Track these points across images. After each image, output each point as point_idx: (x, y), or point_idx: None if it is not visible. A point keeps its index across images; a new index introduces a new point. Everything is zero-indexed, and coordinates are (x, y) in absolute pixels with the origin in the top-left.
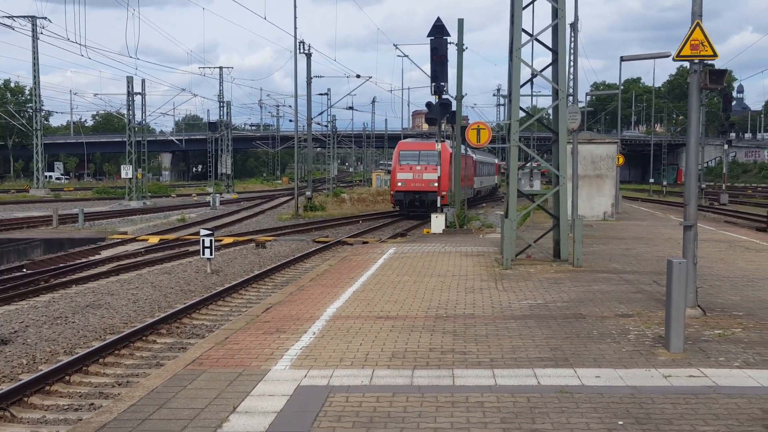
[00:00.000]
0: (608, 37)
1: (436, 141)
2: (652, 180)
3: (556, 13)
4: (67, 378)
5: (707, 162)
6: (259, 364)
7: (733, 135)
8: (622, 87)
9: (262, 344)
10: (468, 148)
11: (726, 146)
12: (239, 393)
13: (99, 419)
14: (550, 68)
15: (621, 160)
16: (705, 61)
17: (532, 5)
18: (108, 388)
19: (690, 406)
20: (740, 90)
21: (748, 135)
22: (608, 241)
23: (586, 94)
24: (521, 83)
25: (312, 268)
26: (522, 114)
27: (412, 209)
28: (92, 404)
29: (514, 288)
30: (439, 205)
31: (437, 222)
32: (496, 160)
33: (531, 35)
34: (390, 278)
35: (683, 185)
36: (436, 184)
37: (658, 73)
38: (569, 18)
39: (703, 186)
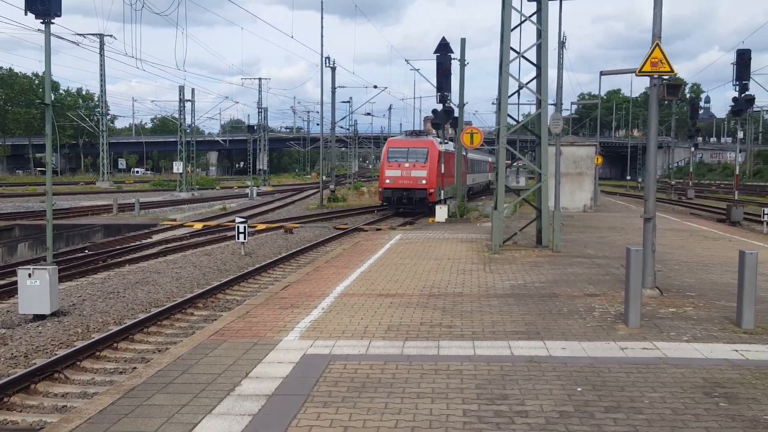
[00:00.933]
0: (596, 54)
1: (433, 138)
2: (629, 177)
3: (540, 33)
4: (114, 345)
5: (677, 162)
6: (272, 335)
7: (699, 139)
8: (604, 97)
9: (277, 318)
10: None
11: (693, 149)
12: (252, 360)
13: (130, 383)
14: (535, 81)
15: (599, 160)
16: (663, 76)
17: (519, 27)
18: (149, 354)
19: (641, 374)
20: (707, 100)
21: (713, 139)
22: (585, 230)
23: (572, 103)
24: (510, 94)
25: (330, 251)
26: (510, 121)
27: (400, 206)
28: (134, 368)
29: (500, 270)
30: (428, 202)
31: (441, 212)
32: (490, 159)
33: (518, 53)
34: (393, 261)
35: (657, 182)
36: (424, 182)
37: (635, 85)
38: (557, 38)
39: (673, 183)
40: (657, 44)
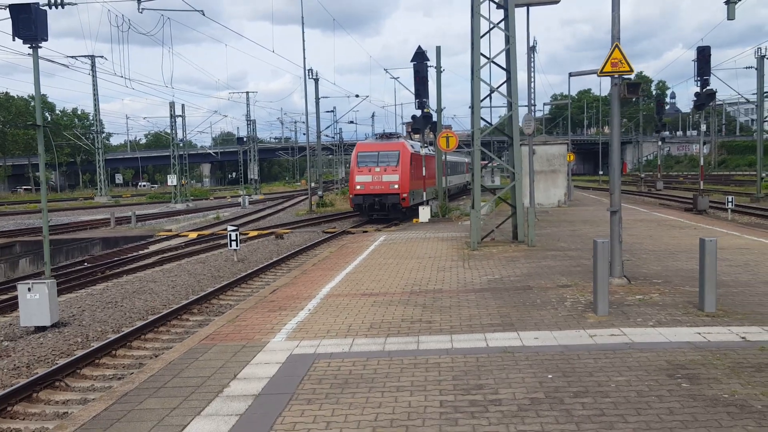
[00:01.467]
0: (566, 56)
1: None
2: (601, 172)
3: (508, 39)
4: (113, 352)
5: (646, 156)
6: (260, 337)
7: (667, 133)
8: (575, 97)
9: (265, 320)
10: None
11: (660, 143)
12: (241, 362)
13: (123, 389)
14: (505, 85)
15: (571, 158)
16: (623, 76)
17: (488, 34)
18: (147, 359)
19: (609, 360)
20: (673, 96)
21: (680, 133)
22: (560, 224)
23: (544, 104)
24: (482, 98)
25: (318, 254)
26: (483, 123)
27: (372, 212)
28: (132, 373)
29: (478, 266)
30: (401, 207)
31: (424, 212)
32: (467, 160)
33: (488, 58)
34: (377, 261)
35: (628, 175)
36: (397, 186)
37: (604, 85)
38: (526, 42)
39: (643, 175)
40: (616, 45)
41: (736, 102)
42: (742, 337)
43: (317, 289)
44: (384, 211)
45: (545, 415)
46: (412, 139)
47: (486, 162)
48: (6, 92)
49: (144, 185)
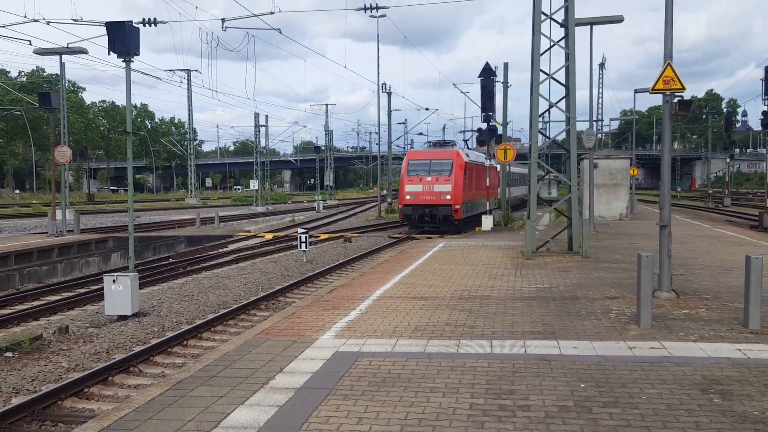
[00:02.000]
0: (636, 73)
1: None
2: None
3: (568, 57)
4: (185, 342)
5: (715, 172)
6: (311, 334)
7: (737, 150)
8: (645, 112)
9: (318, 318)
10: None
11: (729, 159)
12: (289, 357)
13: (178, 376)
14: (564, 101)
15: (634, 172)
16: (676, 92)
17: (549, 51)
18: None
19: (644, 372)
20: (744, 114)
21: (750, 150)
22: (618, 236)
23: (611, 120)
24: (540, 113)
25: (380, 258)
26: (542, 138)
27: (422, 224)
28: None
29: (529, 275)
30: (453, 219)
31: (487, 221)
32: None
33: (548, 74)
34: (432, 267)
35: (696, 191)
36: (449, 197)
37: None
38: (592, 59)
39: (710, 191)
40: (669, 64)
41: None
42: None
43: (371, 291)
44: (434, 223)
45: (571, 423)
46: (469, 148)
47: (543, 174)
48: (112, 102)
49: (238, 188)
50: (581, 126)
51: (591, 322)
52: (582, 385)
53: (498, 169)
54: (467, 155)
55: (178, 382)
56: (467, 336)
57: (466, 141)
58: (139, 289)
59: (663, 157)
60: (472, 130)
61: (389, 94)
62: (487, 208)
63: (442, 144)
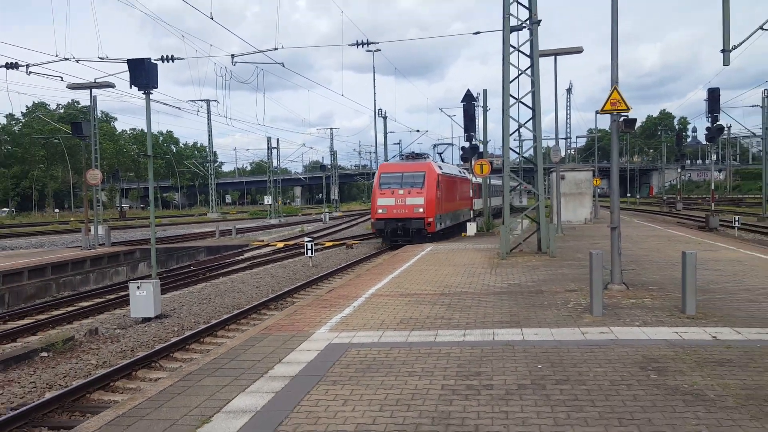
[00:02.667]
0: (602, 97)
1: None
2: (629, 194)
3: (533, 83)
4: (201, 339)
5: (669, 181)
6: (308, 329)
7: (688, 161)
8: (609, 130)
9: (316, 315)
10: (474, 176)
11: (680, 170)
12: (287, 349)
13: (188, 369)
14: (531, 122)
15: (597, 182)
16: (622, 113)
17: (517, 79)
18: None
19: (593, 353)
20: (694, 130)
21: (699, 161)
22: (582, 238)
23: (577, 137)
24: (511, 132)
25: (377, 262)
26: (513, 153)
27: (394, 238)
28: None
29: (502, 273)
30: (426, 233)
31: (471, 227)
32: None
33: (517, 99)
34: (419, 268)
35: (653, 197)
36: (422, 210)
37: (636, 119)
38: (557, 85)
39: (665, 198)
40: (615, 88)
41: (750, 135)
42: (713, 337)
43: (365, 290)
44: (407, 236)
45: (527, 399)
46: (443, 161)
47: (515, 186)
48: (141, 129)
49: (262, 203)
50: (552, 143)
51: (552, 312)
52: (539, 366)
53: (472, 181)
54: (440, 167)
55: (188, 374)
56: (444, 327)
57: (440, 154)
58: (162, 293)
59: (612, 168)
60: (448, 144)
61: (385, 118)
62: (463, 219)
63: (415, 156)
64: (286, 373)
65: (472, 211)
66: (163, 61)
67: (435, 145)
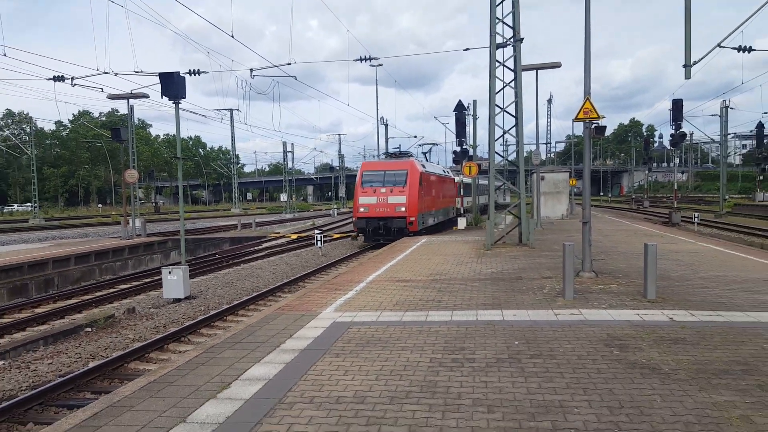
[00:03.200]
0: (579, 106)
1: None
2: (602, 193)
3: (516, 94)
4: (224, 317)
5: (638, 182)
6: (316, 309)
7: (655, 164)
8: (582, 135)
9: (323, 297)
10: (462, 176)
11: (647, 171)
12: (297, 326)
13: (211, 342)
14: (515, 129)
15: (573, 182)
16: (593, 121)
17: (502, 91)
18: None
19: (564, 332)
20: (660, 136)
21: (665, 164)
22: (559, 232)
23: (556, 143)
24: (496, 138)
25: (379, 251)
26: (498, 157)
27: (376, 237)
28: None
29: (487, 262)
30: (408, 232)
31: (461, 222)
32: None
33: (502, 108)
34: (414, 257)
35: (624, 196)
36: (404, 209)
37: (608, 127)
38: (538, 96)
39: (633, 196)
40: (587, 99)
41: (710, 141)
42: (670, 318)
43: (366, 276)
44: (389, 236)
45: (504, 370)
46: (428, 161)
47: (500, 185)
48: (172, 134)
49: (279, 200)
50: (534, 147)
51: (529, 296)
52: (516, 343)
53: (457, 180)
54: (423, 166)
55: (211, 346)
56: (434, 308)
57: (425, 154)
58: (191, 278)
59: (584, 170)
60: (432, 144)
61: (386, 125)
62: (447, 217)
63: (398, 155)
64: (295, 347)
65: (456, 210)
66: (191, 75)
67: (421, 144)
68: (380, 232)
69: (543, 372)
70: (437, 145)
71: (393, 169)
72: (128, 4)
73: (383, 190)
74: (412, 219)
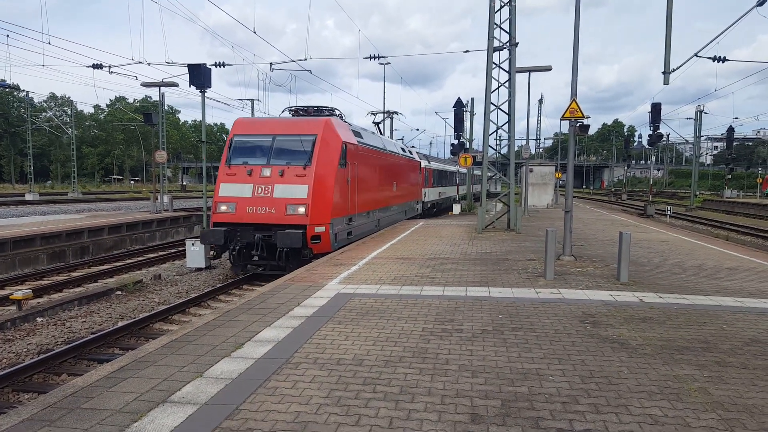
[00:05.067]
0: (566, 106)
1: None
2: (584, 186)
3: (510, 94)
4: (241, 286)
5: (618, 177)
6: (322, 281)
7: (633, 161)
8: (568, 133)
9: (329, 271)
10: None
11: (626, 168)
12: (305, 296)
13: (227, 307)
14: (507, 125)
15: (559, 175)
16: (578, 120)
17: (497, 90)
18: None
19: (543, 308)
20: (639, 136)
21: (643, 161)
22: (544, 219)
23: (545, 139)
24: (490, 132)
25: (380, 232)
26: (491, 150)
27: (245, 263)
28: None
29: (477, 244)
30: (310, 253)
31: (456, 208)
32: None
33: (496, 106)
34: (413, 238)
35: (604, 190)
36: (303, 209)
37: (592, 126)
38: (530, 96)
39: (613, 190)
40: (574, 100)
41: (684, 142)
42: (640, 299)
43: (368, 254)
44: (274, 259)
45: (488, 341)
46: (381, 134)
47: (492, 175)
48: (198, 120)
49: None
50: (524, 143)
51: (513, 275)
52: (500, 317)
53: (422, 166)
54: (357, 134)
55: (227, 311)
56: (428, 284)
57: (377, 124)
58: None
59: (568, 164)
60: (392, 112)
61: (392, 119)
62: (401, 218)
63: (306, 111)
64: (302, 314)
65: (420, 204)
66: (216, 67)
67: (373, 113)
68: (258, 255)
69: (523, 343)
70: (398, 114)
71: (290, 134)
72: (162, 1)
73: (267, 172)
74: (321, 229)
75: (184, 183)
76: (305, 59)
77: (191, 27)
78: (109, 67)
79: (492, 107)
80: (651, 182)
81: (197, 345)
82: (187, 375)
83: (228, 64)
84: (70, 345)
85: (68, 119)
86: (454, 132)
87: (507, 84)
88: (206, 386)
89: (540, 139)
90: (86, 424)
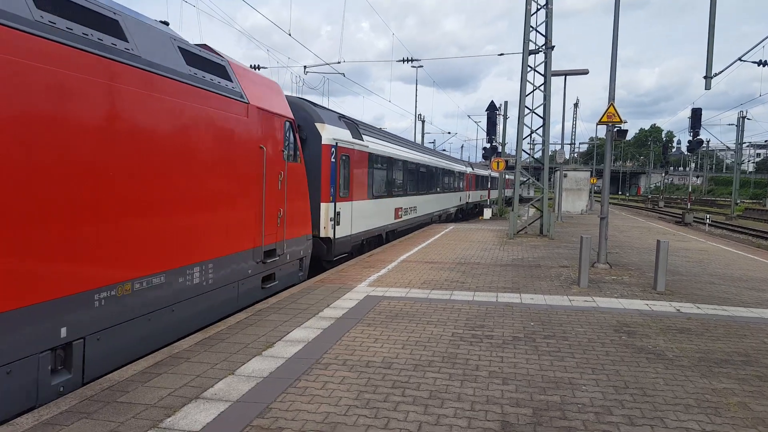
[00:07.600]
0: (604, 110)
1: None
2: (620, 192)
3: (545, 98)
4: None
5: (655, 183)
6: (352, 283)
7: (672, 168)
8: (604, 138)
9: (358, 273)
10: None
11: (664, 174)
12: (335, 297)
13: (260, 307)
14: (542, 129)
15: (594, 181)
16: (616, 124)
17: (532, 94)
18: None
19: (576, 316)
20: (678, 142)
21: (681, 168)
22: (578, 225)
23: (580, 143)
24: (524, 136)
25: (409, 235)
26: (525, 154)
27: None
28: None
29: (509, 249)
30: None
31: (487, 212)
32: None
33: (531, 110)
34: (442, 242)
35: (641, 196)
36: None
37: (629, 131)
38: (565, 100)
39: (650, 196)
40: (611, 104)
41: (725, 149)
42: (677, 310)
43: (397, 257)
44: None
45: (519, 348)
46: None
47: (525, 180)
48: None
49: None
50: (559, 147)
51: (546, 282)
52: (532, 324)
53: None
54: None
55: (258, 310)
56: (458, 288)
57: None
58: None
59: (605, 170)
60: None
61: (423, 122)
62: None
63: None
64: (332, 315)
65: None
66: (252, 69)
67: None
68: None
69: (555, 351)
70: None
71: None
72: (200, 4)
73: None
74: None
75: None
76: (339, 62)
77: (228, 30)
78: None
79: (526, 111)
80: (690, 189)
81: (229, 343)
82: (220, 372)
83: (263, 67)
84: None
85: None
86: (487, 136)
87: (542, 87)
88: (238, 384)
89: (575, 144)
90: (122, 417)
